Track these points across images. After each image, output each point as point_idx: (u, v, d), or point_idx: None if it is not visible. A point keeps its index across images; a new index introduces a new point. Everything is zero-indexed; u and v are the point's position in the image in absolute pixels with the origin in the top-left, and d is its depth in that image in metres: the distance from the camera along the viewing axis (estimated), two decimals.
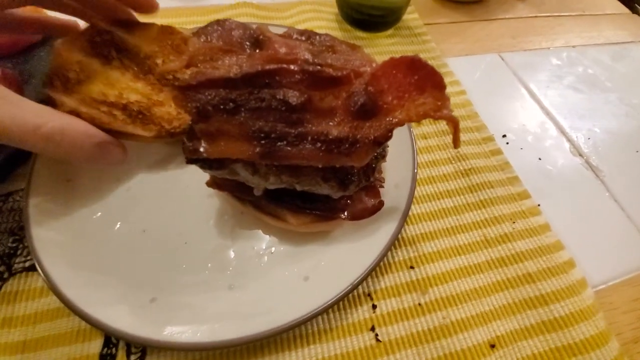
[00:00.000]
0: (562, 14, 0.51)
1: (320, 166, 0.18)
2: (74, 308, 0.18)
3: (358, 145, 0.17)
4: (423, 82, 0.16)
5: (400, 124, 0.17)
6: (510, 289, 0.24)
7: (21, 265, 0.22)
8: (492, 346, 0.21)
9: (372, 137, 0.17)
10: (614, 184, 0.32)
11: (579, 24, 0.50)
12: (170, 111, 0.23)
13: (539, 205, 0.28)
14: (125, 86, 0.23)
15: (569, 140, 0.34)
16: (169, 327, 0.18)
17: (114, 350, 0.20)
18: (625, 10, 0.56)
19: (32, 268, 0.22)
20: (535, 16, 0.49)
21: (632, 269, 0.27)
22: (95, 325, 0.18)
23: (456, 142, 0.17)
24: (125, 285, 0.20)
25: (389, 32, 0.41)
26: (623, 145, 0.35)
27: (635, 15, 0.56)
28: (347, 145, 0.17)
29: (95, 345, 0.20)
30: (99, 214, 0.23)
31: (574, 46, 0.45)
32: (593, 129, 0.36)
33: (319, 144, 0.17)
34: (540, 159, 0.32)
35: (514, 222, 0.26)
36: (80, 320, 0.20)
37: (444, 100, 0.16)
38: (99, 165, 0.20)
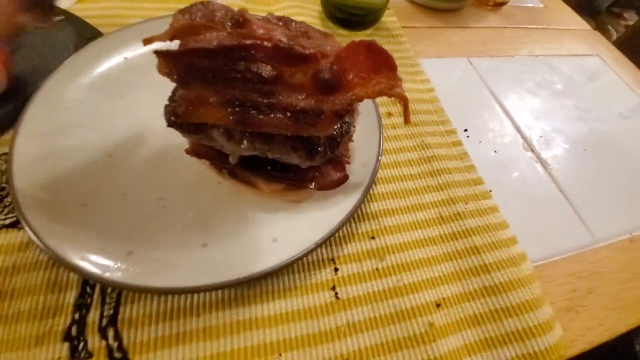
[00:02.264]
0: (529, 26, 0.56)
1: (289, 134, 0.20)
2: (55, 255, 0.19)
3: (322, 117, 0.19)
4: (379, 64, 0.19)
5: (359, 99, 0.19)
6: (458, 259, 0.26)
7: (0, 222, 0.23)
8: (438, 305, 0.24)
9: (335, 110, 0.19)
10: (560, 176, 0.35)
11: (543, 36, 0.54)
12: None
13: (490, 191, 0.31)
14: None
15: (523, 137, 0.38)
16: (143, 275, 0.20)
17: (89, 300, 0.21)
18: (587, 26, 0.62)
19: (11, 225, 0.23)
20: (505, 27, 0.53)
21: (570, 249, 0.31)
22: (74, 270, 0.19)
23: (407, 119, 0.20)
24: (103, 239, 0.21)
25: (369, 31, 0.44)
26: (572, 143, 0.39)
27: (596, 32, 0.61)
28: (312, 116, 0.19)
29: (71, 295, 0.21)
30: (81, 177, 0.24)
31: (536, 55, 0.49)
32: (546, 128, 0.40)
33: (288, 114, 0.19)
34: (495, 151, 0.35)
35: (466, 203, 0.29)
36: (56, 273, 0.22)
37: (396, 80, 0.19)
38: None
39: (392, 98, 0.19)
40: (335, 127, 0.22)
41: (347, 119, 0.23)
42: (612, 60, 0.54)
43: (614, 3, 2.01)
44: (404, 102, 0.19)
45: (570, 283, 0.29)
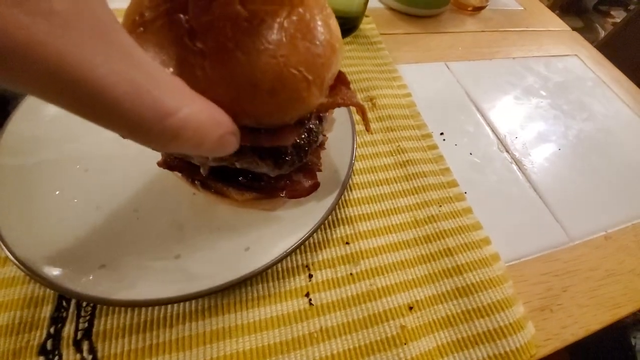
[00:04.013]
0: (508, 29, 0.57)
1: (252, 145, 0.20)
2: (29, 272, 0.20)
3: (283, 127, 0.20)
4: (334, 81, 0.20)
5: (319, 110, 0.20)
6: (431, 262, 0.27)
7: None
8: (410, 308, 0.24)
9: (295, 120, 0.20)
10: (535, 175, 0.36)
11: (521, 38, 0.55)
12: None
13: (465, 192, 0.32)
14: None
15: (499, 138, 0.39)
16: (115, 288, 0.20)
17: (64, 314, 0.22)
18: (567, 27, 0.63)
19: None
20: (482, 31, 0.54)
21: (545, 248, 0.31)
22: (49, 285, 0.20)
23: (367, 127, 0.20)
24: (77, 254, 0.22)
25: (348, 39, 0.45)
26: (547, 142, 0.40)
27: (575, 32, 0.62)
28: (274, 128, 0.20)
29: (47, 310, 0.22)
30: (58, 192, 0.25)
31: (514, 58, 0.50)
32: (522, 129, 0.40)
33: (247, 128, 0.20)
34: (471, 153, 0.36)
35: (440, 206, 0.30)
36: (33, 288, 0.22)
37: (351, 92, 0.20)
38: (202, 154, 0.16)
39: (353, 108, 0.20)
40: (303, 136, 0.23)
41: (315, 128, 0.24)
42: (591, 60, 0.55)
43: (601, 1, 2.04)
44: (362, 111, 0.20)
45: (545, 282, 0.29)
